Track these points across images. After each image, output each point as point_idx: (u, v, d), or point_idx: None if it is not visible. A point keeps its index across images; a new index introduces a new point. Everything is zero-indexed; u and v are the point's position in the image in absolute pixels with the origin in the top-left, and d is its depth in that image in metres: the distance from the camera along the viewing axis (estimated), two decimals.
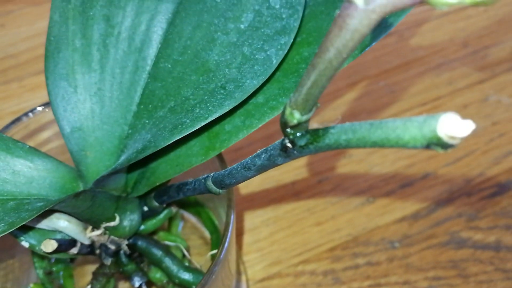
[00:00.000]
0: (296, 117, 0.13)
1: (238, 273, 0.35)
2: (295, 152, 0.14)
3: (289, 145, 0.14)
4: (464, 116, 0.45)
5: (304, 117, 0.13)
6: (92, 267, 0.31)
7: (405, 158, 0.41)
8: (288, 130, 0.14)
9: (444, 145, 0.11)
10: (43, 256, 0.30)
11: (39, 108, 0.28)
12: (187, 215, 0.36)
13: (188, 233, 0.36)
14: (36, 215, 0.20)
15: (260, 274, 0.36)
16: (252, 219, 0.39)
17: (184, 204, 0.34)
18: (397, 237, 0.38)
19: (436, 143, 0.11)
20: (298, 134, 0.14)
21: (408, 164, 0.41)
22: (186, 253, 0.28)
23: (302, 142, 0.14)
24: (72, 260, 0.32)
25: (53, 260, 0.30)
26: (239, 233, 0.38)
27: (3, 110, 0.46)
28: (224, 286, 0.27)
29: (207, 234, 0.34)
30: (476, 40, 0.49)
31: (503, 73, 0.47)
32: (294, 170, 0.41)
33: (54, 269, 0.30)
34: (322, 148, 0.13)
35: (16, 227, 0.19)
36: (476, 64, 0.47)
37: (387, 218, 0.38)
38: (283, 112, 0.14)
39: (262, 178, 0.40)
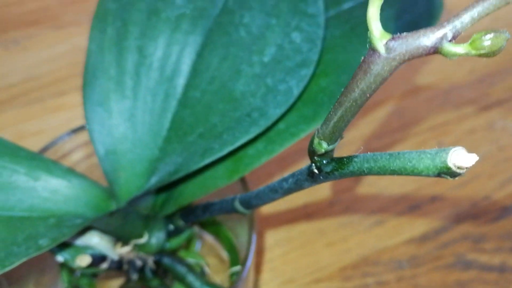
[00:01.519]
0: (323, 146, 0.15)
1: None
2: (321, 177, 0.16)
3: (316, 171, 0.16)
4: (471, 141, 0.46)
5: (331, 147, 0.15)
6: (113, 283, 0.32)
7: (413, 181, 0.43)
8: (316, 157, 0.16)
9: (453, 174, 0.13)
10: (70, 271, 0.32)
11: (74, 132, 0.30)
12: (204, 234, 0.37)
13: (205, 252, 0.37)
14: (76, 231, 0.22)
15: None
16: (266, 239, 0.40)
17: (203, 224, 0.35)
18: (405, 257, 0.39)
19: (446, 172, 0.13)
20: (324, 162, 0.16)
21: (416, 187, 0.43)
22: (206, 269, 0.30)
23: (328, 169, 0.16)
24: (95, 275, 0.34)
25: (78, 275, 0.32)
26: (256, 252, 0.39)
27: (26, 130, 0.48)
28: None
29: (223, 253, 0.36)
30: (482, 67, 0.51)
31: (509, 100, 0.49)
32: (306, 192, 0.42)
33: (79, 283, 0.32)
34: (346, 174, 0.15)
35: (59, 242, 0.21)
36: (483, 91, 0.49)
37: (396, 239, 0.40)
38: (312, 142, 0.15)
39: (275, 202, 0.42)
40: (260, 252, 0.40)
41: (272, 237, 0.40)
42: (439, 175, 0.13)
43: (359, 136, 0.46)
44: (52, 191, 0.24)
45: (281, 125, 0.25)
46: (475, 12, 0.13)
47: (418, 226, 0.41)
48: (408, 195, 0.42)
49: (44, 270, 0.30)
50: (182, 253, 0.31)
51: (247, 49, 0.25)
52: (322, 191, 0.42)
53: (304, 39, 0.25)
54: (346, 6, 0.29)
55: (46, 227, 0.23)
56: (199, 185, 0.25)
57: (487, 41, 0.13)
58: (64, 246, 0.26)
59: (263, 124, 0.23)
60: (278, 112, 0.24)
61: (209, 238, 0.37)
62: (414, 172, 0.13)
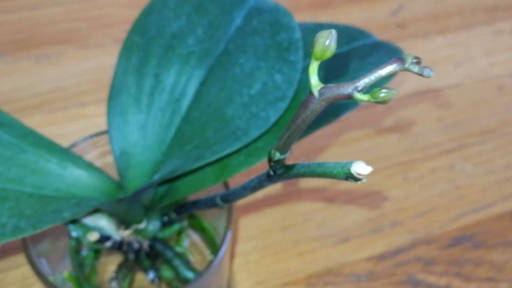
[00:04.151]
0: (277, 156, 0.22)
1: (229, 286, 0.42)
2: (275, 178, 0.23)
3: (272, 173, 0.23)
4: (432, 179, 0.53)
5: (282, 156, 0.22)
6: (112, 267, 0.39)
7: (378, 208, 0.49)
8: (272, 163, 0.22)
9: (355, 179, 0.19)
10: (77, 250, 0.38)
11: (94, 136, 0.37)
12: (192, 234, 0.44)
13: (192, 249, 0.44)
14: (92, 210, 0.29)
15: None
16: (245, 245, 0.47)
17: (192, 224, 0.42)
18: (364, 272, 0.45)
19: (351, 177, 0.19)
20: (278, 167, 0.22)
21: (380, 213, 0.49)
22: (191, 258, 0.36)
23: (280, 172, 0.22)
24: (97, 257, 0.40)
25: (84, 255, 0.38)
26: (233, 255, 0.46)
27: (49, 133, 0.54)
28: None
29: (207, 252, 0.42)
30: (449, 116, 0.58)
31: (470, 146, 0.55)
32: (284, 208, 0.49)
33: (84, 262, 0.38)
34: (291, 176, 0.22)
35: (78, 216, 0.28)
36: (448, 136, 0.56)
37: (357, 255, 0.46)
38: (270, 152, 0.22)
39: (257, 213, 0.48)
40: (238, 256, 0.46)
41: (250, 244, 0.47)
42: (346, 178, 0.20)
43: None
44: (75, 179, 0.31)
45: (259, 144, 0.32)
46: (376, 74, 0.20)
47: (378, 246, 0.47)
48: (371, 219, 0.49)
49: (58, 237, 0.36)
50: (172, 244, 0.38)
51: (239, 83, 0.32)
52: (298, 208, 0.49)
53: (284, 79, 0.32)
54: None
55: (69, 205, 0.29)
56: (192, 185, 0.32)
57: (382, 94, 0.19)
58: (77, 224, 0.33)
59: (245, 141, 0.30)
60: (258, 133, 0.31)
61: (196, 238, 0.44)
62: (331, 176, 0.20)
